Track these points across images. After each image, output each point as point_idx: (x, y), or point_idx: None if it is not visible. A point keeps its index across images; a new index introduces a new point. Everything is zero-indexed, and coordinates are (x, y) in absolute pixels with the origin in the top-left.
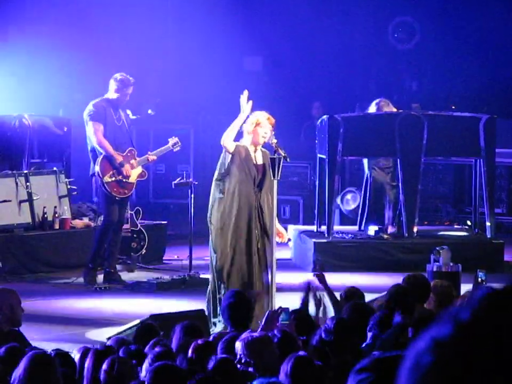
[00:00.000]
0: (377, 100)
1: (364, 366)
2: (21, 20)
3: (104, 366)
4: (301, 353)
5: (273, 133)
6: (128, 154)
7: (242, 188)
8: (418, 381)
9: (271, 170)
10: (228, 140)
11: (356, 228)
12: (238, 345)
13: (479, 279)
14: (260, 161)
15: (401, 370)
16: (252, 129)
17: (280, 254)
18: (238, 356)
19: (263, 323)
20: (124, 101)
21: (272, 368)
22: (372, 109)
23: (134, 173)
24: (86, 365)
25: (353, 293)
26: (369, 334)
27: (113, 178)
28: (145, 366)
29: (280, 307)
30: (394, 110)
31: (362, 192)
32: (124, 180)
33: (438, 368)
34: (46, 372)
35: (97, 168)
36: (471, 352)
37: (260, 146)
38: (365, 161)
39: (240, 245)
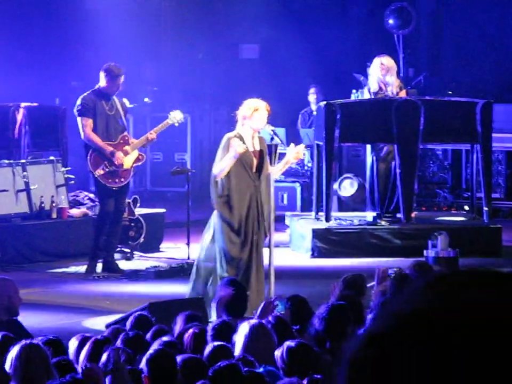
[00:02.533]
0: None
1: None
2: (15, 8)
3: (102, 359)
4: (294, 340)
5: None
6: (121, 141)
7: (241, 183)
8: (353, 377)
9: (268, 157)
10: (218, 172)
11: (355, 214)
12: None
13: None
14: (257, 147)
15: (341, 366)
16: (250, 114)
17: (278, 240)
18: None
19: (258, 313)
20: (115, 90)
21: (267, 356)
22: (375, 64)
23: (128, 159)
24: (82, 355)
25: (355, 281)
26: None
27: (106, 170)
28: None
29: (276, 297)
30: (394, 65)
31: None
32: (117, 169)
33: (370, 365)
34: (35, 364)
35: (88, 163)
36: (406, 349)
37: (257, 132)
38: (368, 147)
39: (242, 235)
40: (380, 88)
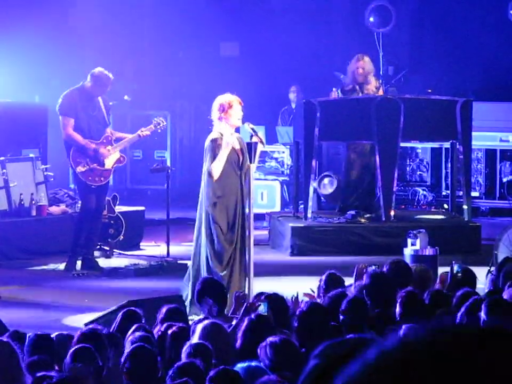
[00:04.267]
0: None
1: (315, 353)
2: None
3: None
4: (277, 336)
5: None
6: (104, 141)
7: (231, 181)
8: None
9: (247, 155)
10: (217, 172)
11: (334, 211)
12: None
13: (455, 271)
14: (237, 145)
15: None
16: (224, 113)
17: (258, 238)
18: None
19: (240, 315)
20: (99, 94)
21: (227, 354)
22: (352, 66)
23: (110, 159)
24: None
25: (333, 279)
26: (341, 318)
27: (86, 167)
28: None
29: (258, 298)
30: (371, 65)
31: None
32: (99, 167)
33: None
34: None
35: (70, 159)
36: None
37: (234, 130)
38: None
39: (230, 232)
40: (353, 88)
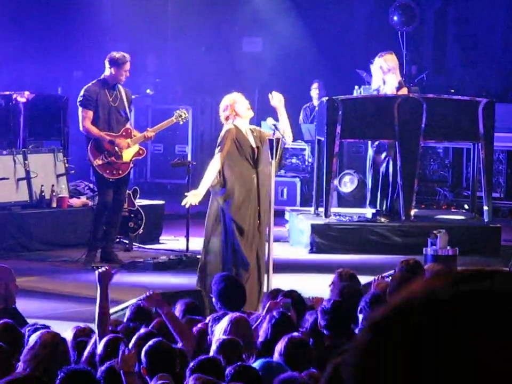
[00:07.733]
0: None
1: None
2: None
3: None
4: (295, 334)
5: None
6: (124, 133)
7: (243, 174)
8: (358, 363)
9: (269, 151)
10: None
11: (354, 210)
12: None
13: None
14: (252, 143)
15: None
16: (232, 112)
17: (277, 235)
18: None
19: (263, 313)
20: (121, 79)
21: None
22: (376, 64)
23: (129, 152)
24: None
25: (348, 276)
26: (360, 317)
27: (104, 161)
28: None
29: (281, 298)
30: (396, 63)
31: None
32: (116, 161)
33: (370, 349)
34: (56, 351)
35: (88, 152)
36: (401, 335)
37: (248, 121)
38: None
39: (244, 227)
40: (378, 86)
